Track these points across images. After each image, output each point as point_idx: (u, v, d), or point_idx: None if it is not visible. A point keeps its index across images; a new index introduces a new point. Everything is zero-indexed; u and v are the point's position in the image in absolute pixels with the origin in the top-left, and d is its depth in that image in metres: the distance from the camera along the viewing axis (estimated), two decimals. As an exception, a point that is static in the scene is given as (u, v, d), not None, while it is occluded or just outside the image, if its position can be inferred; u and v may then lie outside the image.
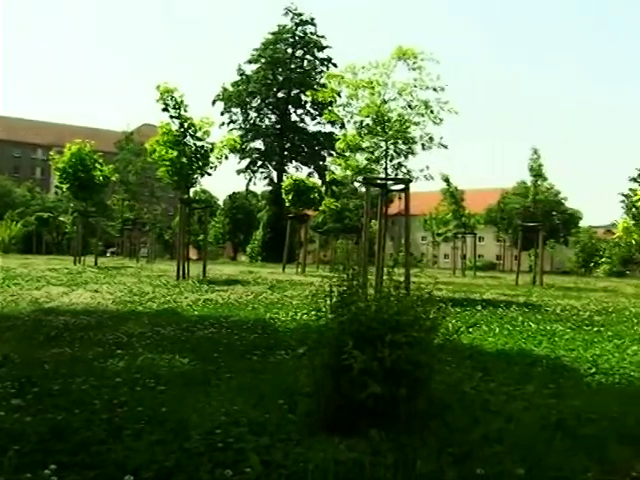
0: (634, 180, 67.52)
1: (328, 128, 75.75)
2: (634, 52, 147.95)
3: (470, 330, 11.05)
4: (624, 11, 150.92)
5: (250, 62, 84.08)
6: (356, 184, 45.95)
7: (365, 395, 5.13)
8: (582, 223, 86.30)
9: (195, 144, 23.97)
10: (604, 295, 24.17)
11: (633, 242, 27.90)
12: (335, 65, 76.83)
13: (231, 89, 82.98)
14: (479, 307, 15.07)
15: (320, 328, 5.77)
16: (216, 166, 24.83)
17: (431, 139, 17.82)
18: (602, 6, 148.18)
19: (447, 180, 50.69)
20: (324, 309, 5.77)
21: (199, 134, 24.01)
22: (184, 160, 23.74)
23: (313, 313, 5.95)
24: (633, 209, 50.44)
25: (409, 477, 4.46)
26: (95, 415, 5.36)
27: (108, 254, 72.95)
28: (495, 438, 5.18)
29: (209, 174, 24.97)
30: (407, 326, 5.40)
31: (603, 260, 74.64)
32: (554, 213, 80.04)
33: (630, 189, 62.73)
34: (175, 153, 23.68)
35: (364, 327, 5.33)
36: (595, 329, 12.13)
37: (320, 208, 45.85)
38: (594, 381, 7.57)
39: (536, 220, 41.64)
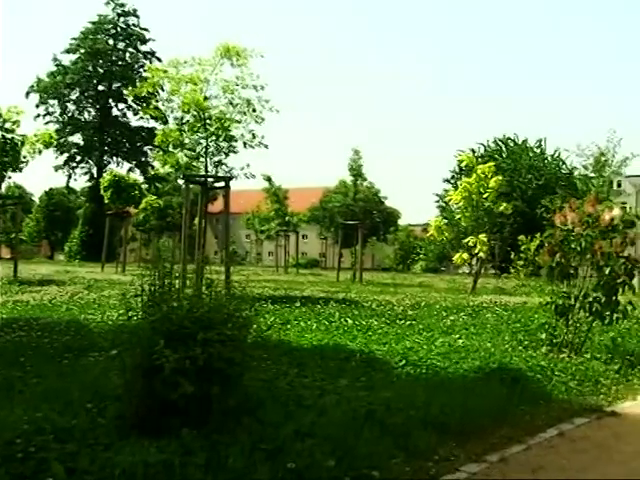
0: (447, 181, 71.31)
1: (151, 123, 73.78)
2: (452, 53, 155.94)
3: (289, 327, 11.22)
4: (440, 13, 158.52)
5: (68, 52, 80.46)
6: (180, 181, 45.41)
7: (177, 395, 5.05)
8: (401, 222, 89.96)
9: (3, 136, 22.56)
10: (419, 290, 25.32)
11: (444, 240, 29.48)
12: (159, 59, 75.07)
13: (47, 80, 79.05)
14: (298, 304, 15.27)
15: (132, 328, 5.62)
16: (28, 161, 23.57)
17: (253, 137, 17.91)
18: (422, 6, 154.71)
19: (269, 179, 51.16)
20: (137, 308, 5.64)
21: (7, 125, 22.62)
22: (-11, 153, 22.27)
23: (128, 313, 5.77)
24: (447, 208, 53.37)
25: (220, 475, 4.45)
26: None
27: None
28: (307, 432, 5.27)
29: (20, 169, 23.62)
30: (220, 324, 5.38)
31: (420, 257, 78.32)
32: (374, 212, 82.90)
33: (444, 190, 66.18)
34: (-23, 146, 22.17)
35: (176, 326, 5.25)
36: (408, 323, 12.66)
37: (141, 205, 44.83)
38: (404, 372, 7.91)
39: (357, 218, 42.97)
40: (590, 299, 9.74)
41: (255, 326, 6.06)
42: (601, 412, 7.55)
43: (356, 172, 42.07)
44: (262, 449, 4.84)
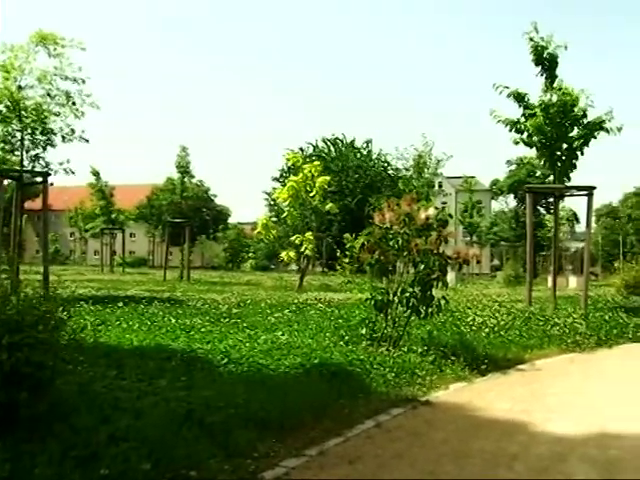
0: (277, 180, 72.11)
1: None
2: (289, 52, 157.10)
3: (109, 327, 10.86)
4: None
5: None
6: None
7: (-23, 404, 4.75)
8: (231, 220, 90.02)
9: None
10: (246, 288, 25.38)
11: (273, 238, 29.68)
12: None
13: None
14: (121, 304, 14.81)
15: None
16: None
17: (72, 131, 17.17)
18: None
19: (97, 174, 49.50)
20: None
21: None
22: None
23: None
24: (276, 207, 53.89)
25: (25, 487, 4.22)
26: None
27: None
28: (122, 436, 5.12)
29: None
30: (29, 326, 5.12)
31: (249, 255, 78.60)
32: (204, 209, 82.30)
33: (273, 188, 66.81)
34: None
35: (-21, 330, 4.93)
36: (232, 321, 12.62)
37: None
38: (226, 371, 7.87)
39: (185, 216, 42.45)
40: (407, 294, 10.12)
41: (74, 327, 5.82)
42: (416, 402, 7.94)
43: (184, 169, 41.48)
44: (73, 456, 4.65)
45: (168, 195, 69.91)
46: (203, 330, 10.94)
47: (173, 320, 12.22)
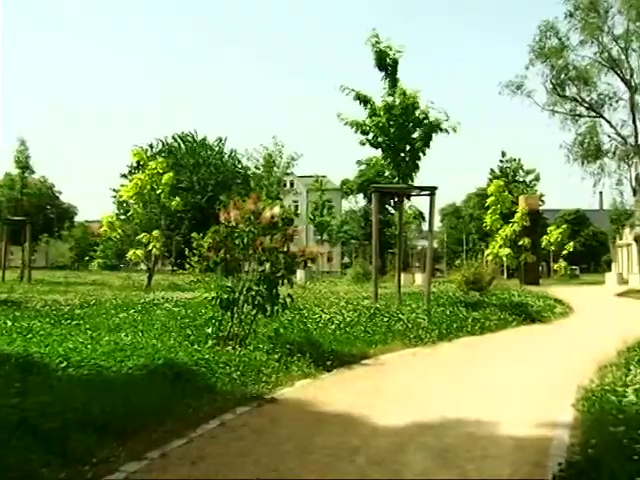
0: (124, 176, 70.30)
1: None
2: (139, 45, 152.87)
3: None
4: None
5: None
6: None
7: None
8: (78, 218, 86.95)
9: None
10: (92, 288, 24.61)
11: (118, 236, 28.97)
12: None
13: None
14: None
15: None
16: None
17: None
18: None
19: None
20: None
21: None
22: None
23: None
24: (123, 204, 52.54)
25: None
26: None
27: None
28: None
29: None
30: None
31: (97, 254, 76.22)
32: (48, 207, 79.01)
33: (121, 185, 65.10)
34: None
35: None
36: (74, 323, 12.12)
37: None
38: (65, 375, 7.57)
39: (26, 213, 40.65)
40: (253, 293, 10.19)
41: None
42: (261, 399, 8.04)
43: (23, 164, 39.59)
44: None
45: (7, 191, 66.50)
46: (42, 333, 10.44)
47: (9, 323, 11.56)
